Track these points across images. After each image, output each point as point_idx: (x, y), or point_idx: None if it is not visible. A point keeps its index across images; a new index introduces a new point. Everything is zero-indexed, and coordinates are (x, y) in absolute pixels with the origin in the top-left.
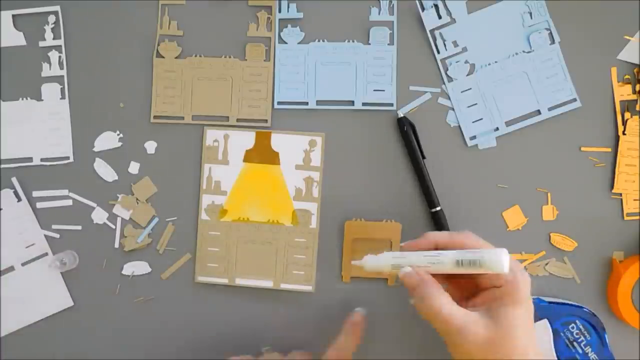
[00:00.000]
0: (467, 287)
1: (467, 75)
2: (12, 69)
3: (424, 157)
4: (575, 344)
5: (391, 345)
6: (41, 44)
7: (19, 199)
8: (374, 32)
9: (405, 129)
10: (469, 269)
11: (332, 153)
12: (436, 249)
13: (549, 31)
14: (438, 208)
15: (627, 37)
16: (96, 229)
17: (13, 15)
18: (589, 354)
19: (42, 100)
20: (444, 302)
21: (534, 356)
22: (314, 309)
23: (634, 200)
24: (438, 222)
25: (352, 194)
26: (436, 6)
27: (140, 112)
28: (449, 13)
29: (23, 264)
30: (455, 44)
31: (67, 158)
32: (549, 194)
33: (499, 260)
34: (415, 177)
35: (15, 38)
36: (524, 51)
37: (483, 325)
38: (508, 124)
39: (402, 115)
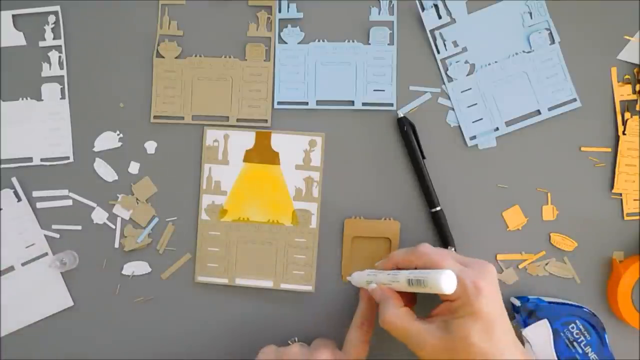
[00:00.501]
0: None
1: (467, 75)
2: (12, 69)
3: (424, 157)
4: (575, 344)
5: (391, 345)
6: (41, 44)
7: (19, 199)
8: (374, 32)
9: (405, 129)
10: (418, 288)
11: (332, 153)
12: (398, 268)
13: (549, 31)
14: (438, 208)
15: (627, 37)
16: (96, 229)
17: (13, 15)
18: (589, 354)
19: (42, 100)
20: (400, 316)
21: (493, 355)
22: (314, 309)
23: (634, 200)
24: (438, 222)
25: (352, 194)
26: (436, 6)
27: (140, 112)
28: (449, 13)
29: (23, 264)
30: (455, 44)
31: (67, 158)
32: (549, 194)
33: (439, 283)
34: (415, 177)
35: (15, 38)
36: (524, 51)
37: (437, 337)
38: (508, 124)
39: (402, 115)
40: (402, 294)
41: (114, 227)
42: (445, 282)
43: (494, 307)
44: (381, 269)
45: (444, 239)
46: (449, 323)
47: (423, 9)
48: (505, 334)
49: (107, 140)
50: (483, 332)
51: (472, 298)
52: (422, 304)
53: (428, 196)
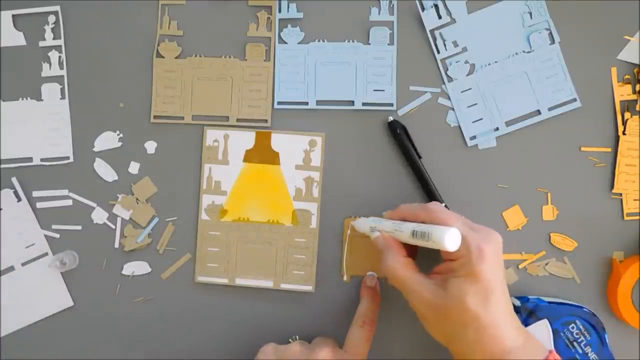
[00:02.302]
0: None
1: (467, 75)
2: (12, 69)
3: (420, 157)
4: (575, 344)
5: (391, 345)
6: (41, 44)
7: (19, 199)
8: (374, 32)
9: (398, 132)
10: (421, 241)
11: (332, 153)
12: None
13: (549, 31)
14: (444, 204)
15: (627, 37)
16: (96, 229)
17: (13, 15)
18: (589, 354)
19: (42, 100)
20: (400, 265)
21: (485, 321)
22: (314, 309)
23: (634, 200)
24: None
25: (352, 194)
26: (436, 6)
27: (140, 112)
28: (449, 13)
29: (23, 264)
30: (455, 44)
31: (67, 158)
32: (549, 194)
33: (442, 238)
34: (414, 177)
35: (15, 38)
36: (524, 51)
37: (433, 292)
38: (508, 124)
39: (391, 119)
40: (404, 247)
41: (114, 227)
42: (449, 239)
43: (494, 275)
44: (387, 219)
45: None
46: (446, 281)
47: (423, 9)
48: (501, 303)
49: (107, 140)
50: (479, 296)
51: (474, 261)
52: (424, 263)
53: (430, 194)
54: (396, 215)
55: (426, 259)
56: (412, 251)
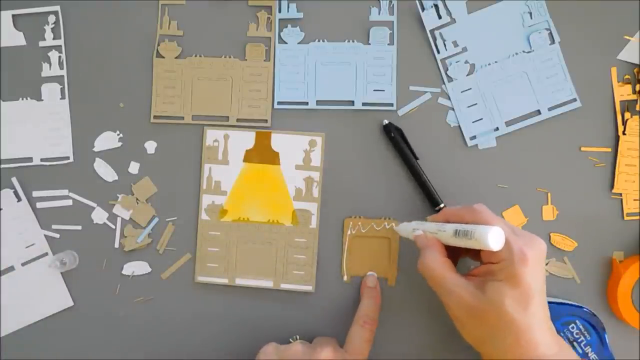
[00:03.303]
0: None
1: (467, 75)
2: (12, 69)
3: (417, 158)
4: (575, 344)
5: (392, 345)
6: (41, 44)
7: (19, 199)
8: (374, 32)
9: (393, 135)
10: (464, 240)
11: (332, 153)
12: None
13: (549, 31)
14: (442, 205)
15: (627, 37)
16: (96, 229)
17: (13, 15)
18: (589, 354)
19: (42, 100)
20: (439, 265)
21: (522, 327)
22: (314, 309)
23: (634, 200)
24: None
25: (352, 194)
26: (436, 6)
27: (140, 112)
28: (449, 13)
29: (23, 264)
30: (455, 44)
31: (67, 158)
32: (549, 194)
33: (486, 236)
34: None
35: (15, 38)
36: (524, 51)
37: (471, 294)
38: (508, 124)
39: (386, 122)
40: (445, 249)
41: (114, 227)
42: (493, 237)
43: (536, 280)
44: (431, 222)
45: None
46: (485, 284)
47: (423, 9)
48: (540, 310)
49: (107, 140)
50: (518, 301)
51: (516, 264)
52: (460, 266)
53: (429, 195)
54: (440, 217)
55: (463, 262)
56: (454, 255)
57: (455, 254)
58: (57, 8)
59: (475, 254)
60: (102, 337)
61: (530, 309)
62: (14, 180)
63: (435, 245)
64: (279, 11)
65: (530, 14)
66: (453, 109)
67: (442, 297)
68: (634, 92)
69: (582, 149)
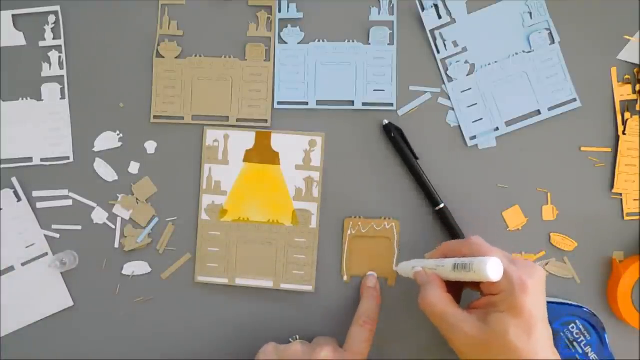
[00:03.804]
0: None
1: (467, 75)
2: (12, 69)
3: (417, 158)
4: (575, 344)
5: (392, 345)
6: (41, 44)
7: (19, 199)
8: (374, 32)
9: (393, 135)
10: (463, 273)
11: (332, 153)
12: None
13: (549, 31)
14: (442, 205)
15: (627, 37)
16: (96, 229)
17: (13, 15)
18: (589, 354)
19: (42, 100)
20: (440, 300)
21: (527, 355)
22: (314, 309)
23: (634, 200)
24: (445, 219)
25: (352, 194)
26: (436, 6)
27: (140, 112)
28: (449, 13)
29: (23, 264)
30: (455, 44)
31: (67, 158)
32: (549, 194)
33: (485, 268)
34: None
35: (15, 38)
36: (524, 51)
37: (474, 327)
38: (508, 124)
39: (386, 122)
40: (445, 284)
41: (114, 227)
42: (492, 269)
43: (537, 308)
44: (429, 258)
45: (453, 236)
46: (488, 315)
47: (423, 9)
48: (544, 337)
49: (107, 140)
50: (522, 330)
51: (517, 293)
52: (464, 300)
53: (429, 195)
54: (438, 253)
55: (464, 296)
56: (455, 291)
57: (456, 289)
58: (57, 8)
59: (476, 285)
60: (102, 337)
61: (534, 336)
62: (14, 180)
63: (435, 281)
64: (279, 11)
65: (530, 14)
66: (453, 109)
67: (445, 333)
68: (634, 92)
69: (582, 149)
